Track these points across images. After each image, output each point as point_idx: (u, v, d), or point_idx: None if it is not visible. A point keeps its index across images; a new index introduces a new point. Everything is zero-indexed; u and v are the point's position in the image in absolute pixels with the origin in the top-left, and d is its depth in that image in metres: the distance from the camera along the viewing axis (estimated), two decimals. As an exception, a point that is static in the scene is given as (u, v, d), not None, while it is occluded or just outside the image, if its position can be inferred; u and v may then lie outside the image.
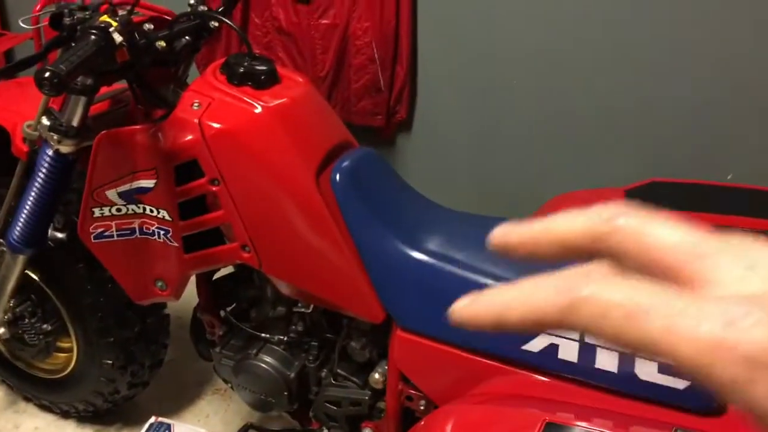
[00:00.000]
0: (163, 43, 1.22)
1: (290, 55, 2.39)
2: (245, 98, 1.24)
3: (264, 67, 1.26)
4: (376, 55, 2.25)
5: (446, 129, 2.38)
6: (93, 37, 1.09)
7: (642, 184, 1.58)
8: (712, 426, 0.99)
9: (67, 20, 1.18)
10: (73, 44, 1.13)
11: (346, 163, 1.27)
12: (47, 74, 1.00)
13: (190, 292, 1.46)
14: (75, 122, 1.29)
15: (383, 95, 2.33)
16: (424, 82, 2.36)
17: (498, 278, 1.16)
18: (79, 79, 1.19)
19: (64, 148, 1.32)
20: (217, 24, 1.32)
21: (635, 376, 1.04)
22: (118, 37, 1.12)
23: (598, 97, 2.12)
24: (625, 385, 1.05)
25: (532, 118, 2.24)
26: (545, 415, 0.97)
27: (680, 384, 1.01)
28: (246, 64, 1.26)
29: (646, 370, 1.03)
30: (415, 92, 2.38)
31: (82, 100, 1.27)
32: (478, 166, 2.39)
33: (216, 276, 1.55)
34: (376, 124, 2.39)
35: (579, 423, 0.95)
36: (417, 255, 1.22)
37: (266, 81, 1.26)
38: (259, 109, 1.23)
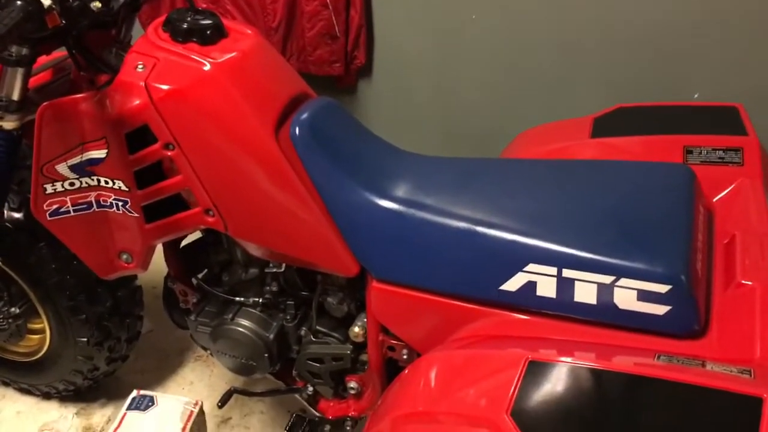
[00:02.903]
0: (98, 4, 1.16)
1: (239, 7, 2.30)
2: (192, 56, 1.18)
3: (209, 21, 1.20)
4: (328, 0, 2.17)
5: (407, 72, 2.33)
6: (19, 2, 1.02)
7: (608, 111, 1.56)
8: (694, 348, 0.99)
9: (-11, -14, 1.10)
10: (-2, 12, 1.06)
11: (304, 116, 1.23)
12: (-28, 45, 0.93)
13: (162, 260, 1.42)
14: (15, 96, 1.22)
15: (340, 42, 2.26)
16: (381, 25, 2.29)
17: (468, 220, 1.14)
18: (13, 49, 1.13)
19: (8, 124, 1.25)
20: (155, -21, 1.25)
21: (614, 305, 1.03)
22: (46, 0, 1.05)
23: (559, 29, 2.08)
24: (604, 315, 1.05)
25: (494, 54, 2.19)
26: (527, 353, 0.96)
27: (660, 310, 1.01)
28: (189, 19, 1.20)
29: (625, 299, 1.02)
30: (372, 36, 2.32)
31: (20, 71, 1.20)
32: (442, 108, 2.35)
33: (183, 243, 1.51)
34: (334, 72, 2.33)
35: (562, 358, 0.93)
36: (386, 203, 1.19)
37: (212, 36, 1.20)
38: (207, 66, 1.17)
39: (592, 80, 2.11)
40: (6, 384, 1.94)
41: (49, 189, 1.28)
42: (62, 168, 1.25)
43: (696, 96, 1.98)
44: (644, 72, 2.04)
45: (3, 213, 1.47)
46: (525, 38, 2.13)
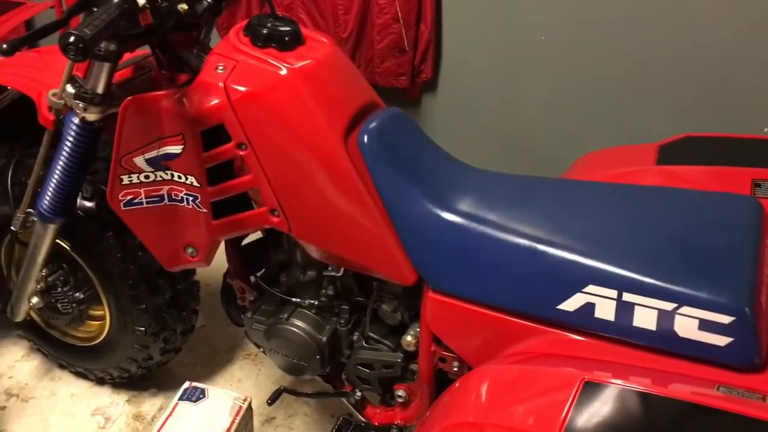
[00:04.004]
0: (185, 6, 1.20)
1: (311, 16, 2.35)
2: (270, 60, 1.22)
3: (288, 28, 1.24)
4: (399, 14, 2.20)
5: (472, 88, 2.34)
6: (116, 0, 1.07)
7: (676, 138, 1.54)
8: (754, 382, 0.97)
9: (89, -16, 1.16)
10: (95, 9, 1.12)
11: (373, 124, 1.25)
12: (72, 39, 0.98)
13: (218, 258, 1.46)
14: (100, 89, 1.28)
15: (407, 55, 2.29)
16: (449, 41, 2.32)
17: (530, 237, 1.14)
18: (102, 45, 1.18)
19: (90, 116, 1.31)
20: (239, -15, 1.30)
21: (674, 333, 1.02)
22: (141, 0, 1.10)
23: (629, 53, 2.07)
24: (664, 342, 1.03)
25: (561, 74, 2.19)
26: (583, 373, 0.96)
27: (721, 341, 0.99)
28: (270, 25, 1.24)
29: (686, 327, 1.01)
30: (440, 52, 2.34)
31: (106, 66, 1.26)
32: (504, 125, 2.35)
33: (245, 241, 1.55)
34: (400, 85, 2.36)
35: (618, 381, 0.93)
36: (447, 216, 1.20)
37: (290, 42, 1.24)
38: (284, 71, 1.20)
39: (659, 108, 2.09)
40: (63, 367, 2.00)
41: (126, 180, 1.33)
42: (139, 161, 1.30)
43: (766, 130, 1.95)
44: (713, 102, 2.01)
45: (77, 201, 1.53)
46: (593, 62, 2.12)
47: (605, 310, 1.07)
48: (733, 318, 0.98)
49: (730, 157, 1.44)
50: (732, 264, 1.06)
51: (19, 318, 1.70)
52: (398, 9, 2.21)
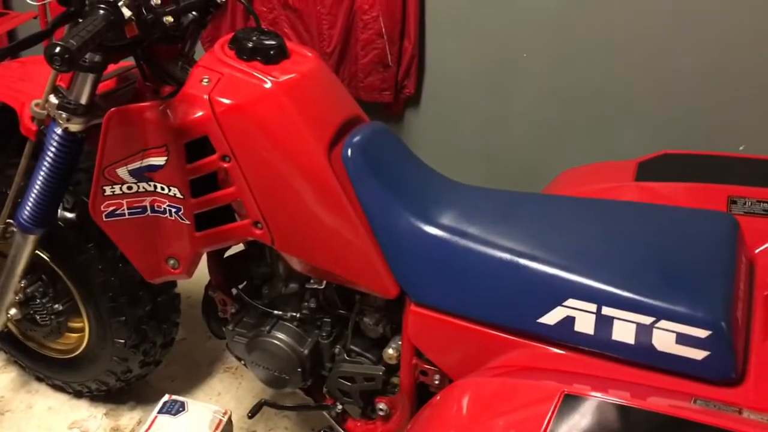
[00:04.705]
0: (170, 18, 1.21)
1: (296, 30, 2.37)
2: (255, 73, 1.22)
3: (273, 42, 1.25)
4: (383, 29, 2.22)
5: (455, 103, 2.37)
6: (102, 11, 1.08)
7: (654, 156, 1.57)
8: (730, 395, 0.99)
9: (75, -5, 1.16)
10: (80, 20, 1.12)
11: (357, 138, 1.26)
12: (58, 49, 0.98)
13: (199, 270, 1.46)
14: (83, 100, 1.28)
15: (391, 70, 2.31)
16: (433, 57, 2.34)
17: (511, 252, 1.15)
18: (87, 56, 1.19)
19: (73, 127, 1.31)
20: (224, -1, 1.31)
21: (653, 347, 1.03)
22: (126, 12, 1.10)
23: (609, 71, 2.10)
24: (642, 356, 1.05)
25: (542, 91, 2.22)
26: (563, 386, 0.97)
27: (698, 354, 1.01)
28: (255, 38, 1.25)
29: (664, 341, 1.03)
30: (423, 67, 2.36)
31: (91, 77, 1.26)
32: (487, 141, 2.37)
33: (227, 254, 1.54)
34: (384, 99, 2.37)
35: (597, 394, 0.94)
36: (430, 229, 1.21)
37: (275, 56, 1.25)
38: (269, 84, 1.21)
39: (639, 125, 2.12)
40: (40, 380, 1.98)
41: (108, 191, 1.33)
42: (122, 172, 1.30)
43: (742, 148, 1.98)
44: (690, 121, 2.05)
45: (58, 211, 1.52)
46: (574, 78, 2.15)
47: (585, 324, 1.08)
48: (709, 332, 1.00)
49: (707, 174, 1.47)
50: (709, 279, 1.08)
51: (-3, 329, 1.68)
52: (382, 25, 2.23)
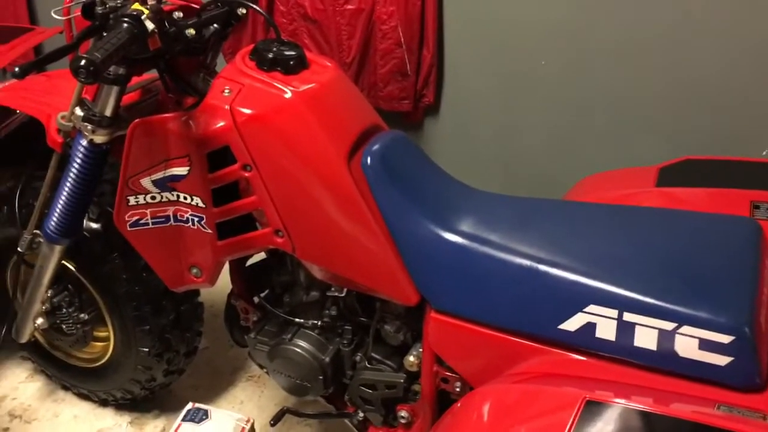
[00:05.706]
0: (192, 31, 1.23)
1: (316, 41, 2.39)
2: (275, 84, 1.24)
3: (293, 53, 1.27)
4: (402, 39, 2.24)
5: (474, 112, 2.37)
6: (126, 25, 1.10)
7: (676, 161, 1.56)
8: (754, 402, 0.98)
9: (99, 9, 1.19)
10: (105, 33, 1.14)
11: (376, 147, 1.27)
12: (83, 62, 1.01)
13: (221, 279, 1.47)
14: (108, 112, 1.30)
15: (410, 80, 2.32)
16: (451, 66, 2.35)
17: (531, 258, 1.15)
18: (111, 68, 1.21)
19: (98, 138, 1.33)
20: (245, 11, 1.32)
21: (675, 353, 1.03)
22: (150, 25, 1.13)
23: (629, 77, 2.09)
24: (664, 362, 1.04)
25: (560, 98, 2.22)
26: (584, 393, 0.96)
27: (721, 360, 1.00)
28: (275, 49, 1.26)
29: (686, 347, 1.02)
30: (442, 76, 2.37)
31: (115, 89, 1.28)
32: (505, 149, 2.38)
33: (249, 262, 1.56)
34: (403, 108, 2.39)
35: (620, 400, 0.93)
36: (450, 237, 1.22)
37: (295, 66, 1.26)
38: (289, 95, 1.23)
39: (657, 132, 2.11)
40: (66, 388, 2.01)
41: (132, 201, 1.35)
42: (146, 182, 1.32)
43: (765, 153, 1.96)
44: (712, 127, 2.03)
45: (83, 222, 1.55)
46: (592, 85, 2.15)
47: (606, 330, 1.08)
48: (733, 338, 0.99)
49: (729, 179, 1.45)
50: (732, 284, 1.07)
51: (24, 339, 1.71)
52: (401, 35, 2.24)
